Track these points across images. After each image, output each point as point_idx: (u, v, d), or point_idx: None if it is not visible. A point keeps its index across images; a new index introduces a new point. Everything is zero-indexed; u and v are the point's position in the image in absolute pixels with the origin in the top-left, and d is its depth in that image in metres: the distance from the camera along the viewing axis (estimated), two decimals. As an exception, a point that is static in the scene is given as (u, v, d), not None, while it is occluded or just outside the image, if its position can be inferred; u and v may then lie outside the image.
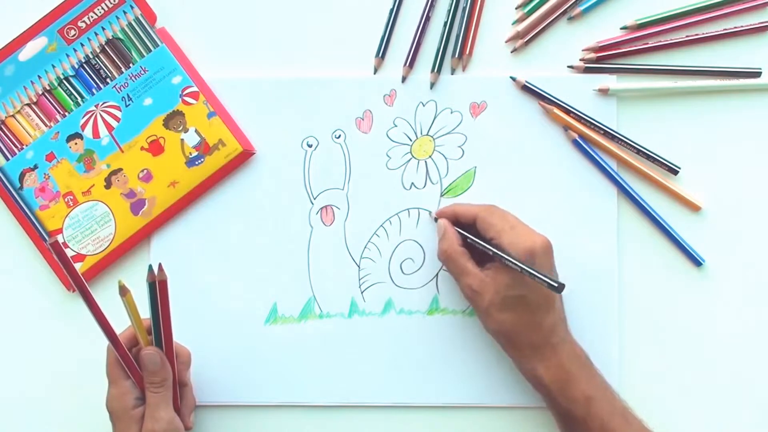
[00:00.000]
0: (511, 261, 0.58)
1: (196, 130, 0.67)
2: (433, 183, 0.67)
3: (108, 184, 0.67)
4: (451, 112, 0.68)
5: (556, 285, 0.56)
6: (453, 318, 0.66)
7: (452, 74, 0.68)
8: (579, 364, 0.59)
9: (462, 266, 0.61)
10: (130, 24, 0.68)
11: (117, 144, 0.67)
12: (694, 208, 0.66)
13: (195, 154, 0.67)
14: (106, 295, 0.58)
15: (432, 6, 0.68)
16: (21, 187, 0.67)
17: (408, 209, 0.67)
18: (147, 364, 0.59)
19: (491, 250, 0.60)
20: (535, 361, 0.59)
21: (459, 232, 0.63)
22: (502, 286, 0.59)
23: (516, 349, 0.60)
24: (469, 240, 0.62)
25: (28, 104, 0.68)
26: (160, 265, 0.57)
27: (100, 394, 0.59)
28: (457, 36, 0.68)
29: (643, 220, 0.66)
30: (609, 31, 0.68)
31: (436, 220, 0.65)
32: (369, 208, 0.67)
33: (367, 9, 0.68)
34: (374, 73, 0.68)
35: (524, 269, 0.57)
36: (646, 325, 0.66)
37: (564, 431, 0.61)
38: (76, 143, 0.67)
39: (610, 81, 0.67)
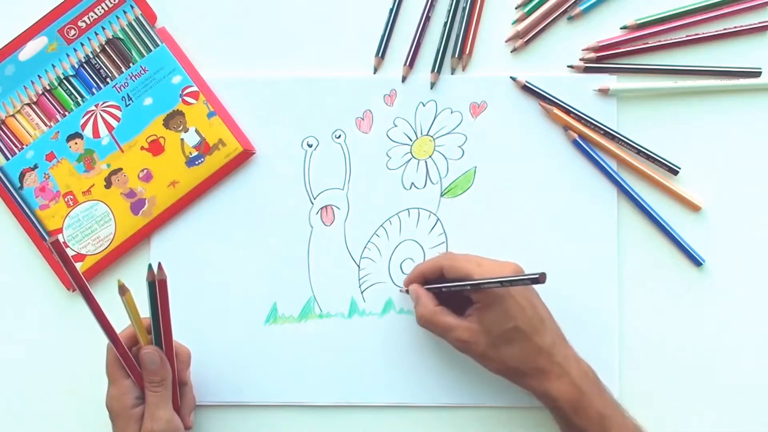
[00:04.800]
0: (488, 282, 0.57)
1: (196, 130, 0.67)
2: (433, 183, 0.67)
3: (108, 184, 0.67)
4: (451, 112, 0.68)
5: (537, 276, 0.54)
6: (453, 318, 0.66)
7: (452, 74, 0.68)
8: (589, 381, 0.59)
9: (443, 323, 0.60)
10: (130, 24, 0.68)
11: (117, 144, 0.67)
12: (694, 208, 0.66)
13: (195, 153, 0.67)
14: (106, 294, 0.58)
15: (432, 6, 0.68)
16: (21, 187, 0.67)
17: (408, 209, 0.67)
18: (146, 364, 0.59)
19: (468, 285, 0.59)
20: (545, 383, 0.59)
21: (433, 289, 0.62)
22: (492, 325, 0.59)
23: (525, 378, 0.60)
24: (444, 289, 0.61)
25: (28, 104, 0.68)
26: (159, 264, 0.57)
27: (100, 393, 0.59)
28: (457, 36, 0.68)
29: (643, 220, 0.66)
30: (609, 31, 0.68)
31: (407, 291, 0.64)
32: (369, 208, 0.67)
33: (367, 9, 0.68)
34: (374, 73, 0.68)
35: (504, 281, 0.57)
36: (646, 325, 0.66)
37: None
38: (76, 143, 0.67)
39: (610, 81, 0.67)
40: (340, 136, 0.68)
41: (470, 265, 0.60)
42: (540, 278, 0.54)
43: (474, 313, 0.60)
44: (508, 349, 0.59)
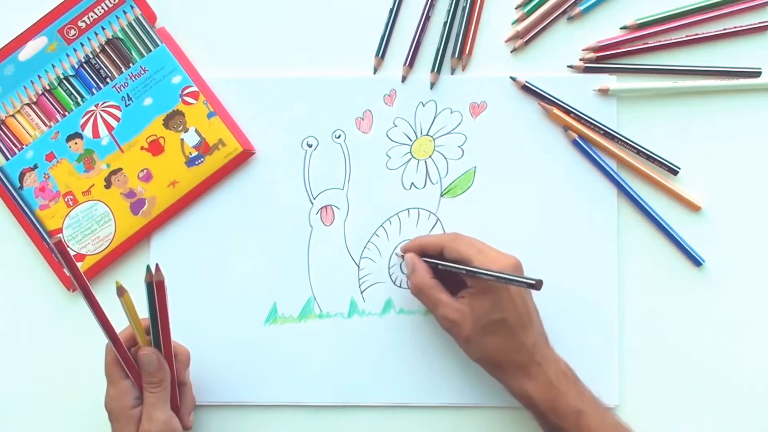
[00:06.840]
0: (485, 273, 0.57)
1: (196, 130, 0.67)
2: (433, 183, 0.67)
3: (108, 184, 0.67)
4: (451, 112, 0.68)
5: (533, 282, 0.55)
6: (453, 318, 0.66)
7: (452, 74, 0.68)
8: (567, 380, 0.59)
9: (435, 298, 0.61)
10: (130, 24, 0.68)
11: (117, 144, 0.67)
12: (694, 208, 0.66)
13: (195, 153, 0.67)
14: (106, 294, 0.58)
15: (432, 6, 0.68)
16: (21, 187, 0.67)
17: (408, 209, 0.67)
18: (144, 365, 0.58)
19: (464, 269, 0.59)
20: (523, 380, 0.59)
21: (429, 263, 0.62)
22: (481, 312, 0.59)
23: (502, 372, 0.60)
24: (440, 266, 0.61)
25: (28, 104, 0.68)
26: (157, 265, 0.57)
27: (99, 394, 0.59)
28: (457, 36, 0.68)
29: (643, 220, 0.66)
30: (609, 31, 0.68)
31: (402, 257, 0.65)
32: (369, 208, 0.67)
33: (367, 9, 0.68)
34: (374, 73, 0.68)
35: (501, 277, 0.57)
36: (645, 326, 0.66)
37: None
38: (76, 143, 0.67)
39: (610, 81, 0.67)
40: (340, 136, 0.68)
41: (471, 250, 0.60)
42: (536, 285, 0.55)
43: (466, 296, 0.60)
44: (491, 339, 0.59)
